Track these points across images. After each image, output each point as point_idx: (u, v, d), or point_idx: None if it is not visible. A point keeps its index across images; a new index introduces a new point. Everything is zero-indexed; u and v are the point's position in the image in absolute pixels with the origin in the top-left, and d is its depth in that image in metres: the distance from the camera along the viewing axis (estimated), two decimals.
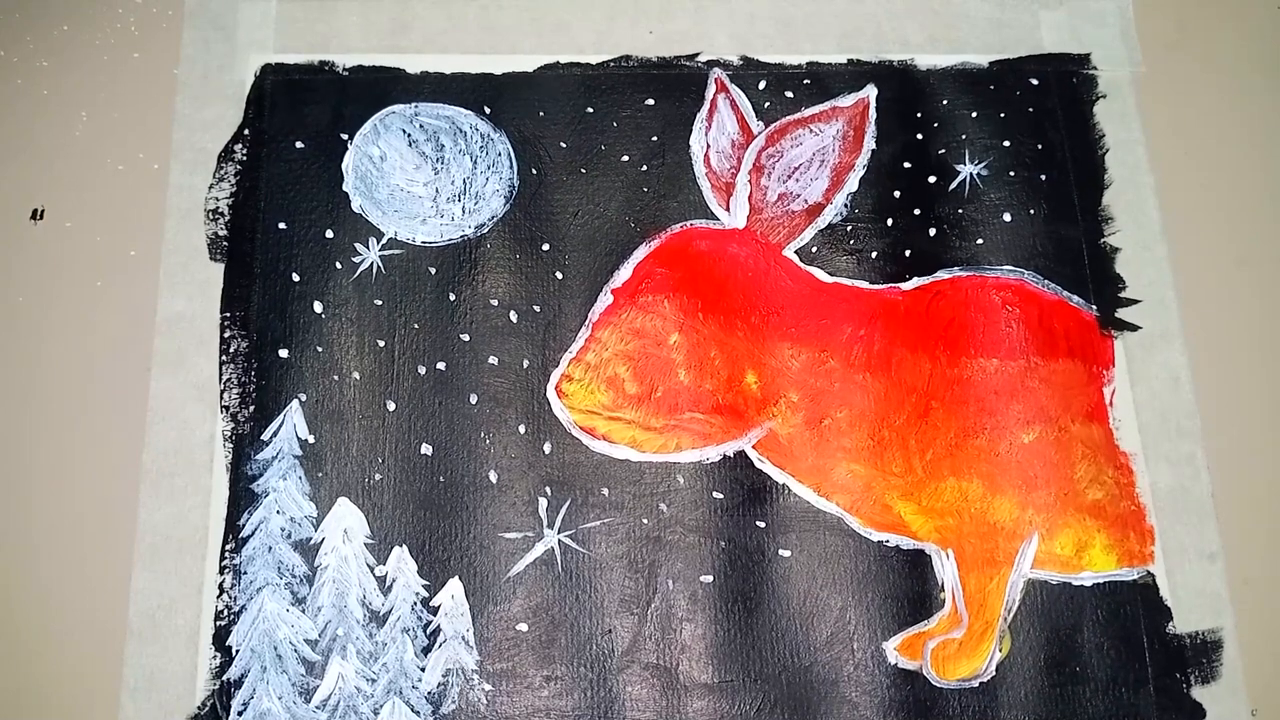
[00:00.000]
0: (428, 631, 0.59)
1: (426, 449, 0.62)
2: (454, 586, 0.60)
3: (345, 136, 0.67)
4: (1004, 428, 0.63)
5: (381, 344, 0.63)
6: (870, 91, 0.69)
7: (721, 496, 0.62)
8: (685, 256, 0.65)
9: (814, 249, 0.66)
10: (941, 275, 0.66)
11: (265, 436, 0.61)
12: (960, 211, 0.67)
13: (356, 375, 0.62)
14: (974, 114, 0.69)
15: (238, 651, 0.58)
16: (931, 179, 0.68)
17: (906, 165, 0.68)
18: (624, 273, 0.65)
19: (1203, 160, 0.70)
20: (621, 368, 0.63)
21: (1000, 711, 0.59)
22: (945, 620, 0.60)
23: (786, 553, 0.61)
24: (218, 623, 0.58)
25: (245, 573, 0.59)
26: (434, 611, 0.59)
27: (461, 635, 0.59)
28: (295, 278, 0.64)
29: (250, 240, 0.64)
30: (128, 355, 0.62)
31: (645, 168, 0.67)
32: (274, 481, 0.60)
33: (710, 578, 0.60)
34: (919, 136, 0.69)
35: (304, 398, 0.62)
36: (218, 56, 0.68)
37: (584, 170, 0.67)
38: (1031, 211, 0.67)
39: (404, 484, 0.61)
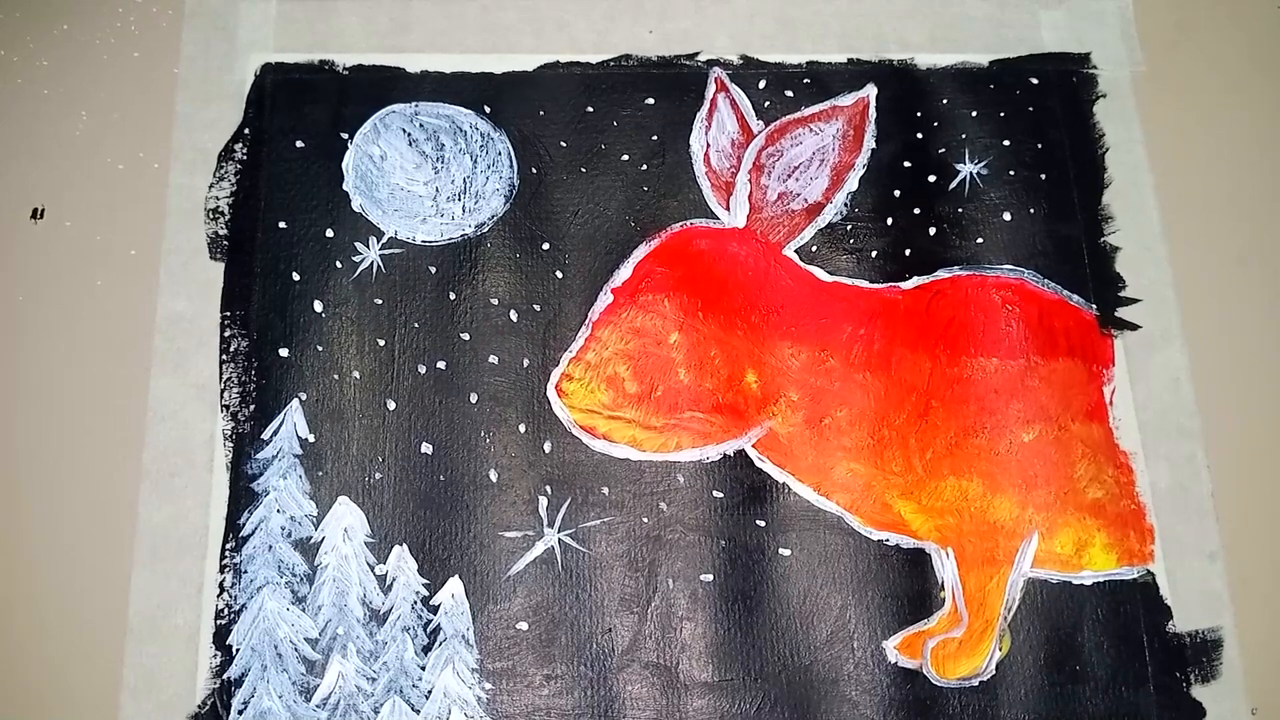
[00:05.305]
0: (428, 630, 0.59)
1: (427, 448, 0.62)
2: (454, 585, 0.60)
3: (345, 136, 0.67)
4: (1004, 427, 0.63)
5: (381, 343, 0.63)
6: (870, 91, 0.69)
7: (721, 495, 0.62)
8: (685, 256, 0.65)
9: (814, 248, 0.66)
10: (941, 274, 0.66)
11: (265, 435, 0.61)
12: (960, 211, 0.67)
13: (357, 374, 0.63)
14: (974, 113, 0.69)
15: (238, 650, 0.58)
16: (931, 178, 0.68)
17: (906, 164, 0.68)
18: (624, 272, 0.65)
19: (1203, 160, 0.70)
20: (621, 367, 0.63)
21: (1000, 710, 0.59)
22: (945, 619, 0.60)
23: (786, 551, 0.61)
24: (218, 621, 0.58)
25: (245, 572, 0.59)
26: (434, 610, 0.59)
27: (462, 634, 0.59)
28: (295, 277, 0.64)
29: (250, 240, 0.64)
30: (128, 355, 0.62)
31: (645, 167, 0.67)
32: (274, 480, 0.60)
33: (710, 576, 0.60)
34: (919, 136, 0.69)
35: (304, 397, 0.62)
36: (218, 56, 0.68)
37: (584, 169, 0.67)
38: (1031, 211, 0.67)
39: (404, 483, 0.61)
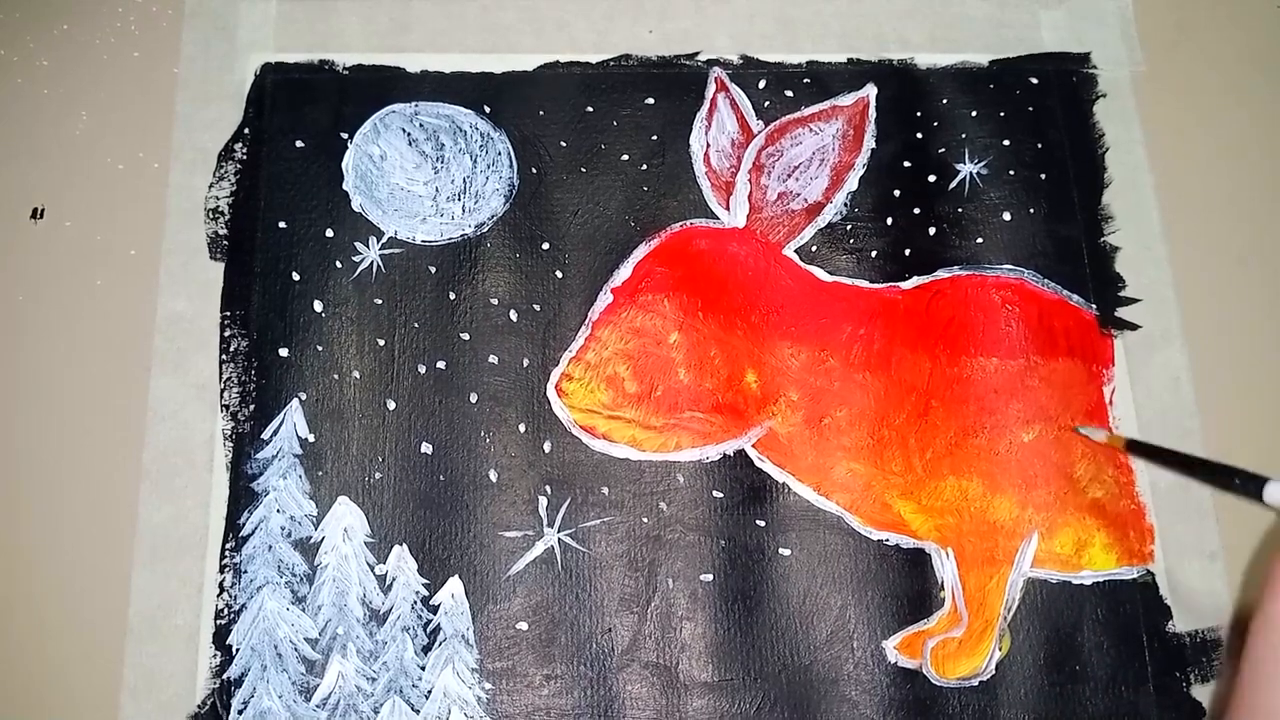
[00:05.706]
0: (428, 630, 0.59)
1: (426, 448, 0.62)
2: (454, 585, 0.60)
3: (345, 136, 0.67)
4: (1004, 426, 0.63)
5: (381, 343, 0.63)
6: (870, 90, 0.69)
7: (721, 495, 0.62)
8: (685, 255, 0.65)
9: (814, 248, 0.66)
10: (941, 274, 0.66)
11: (265, 435, 0.61)
12: (960, 210, 0.67)
13: (356, 374, 0.63)
14: (974, 113, 0.69)
15: (238, 650, 0.58)
16: (931, 178, 0.68)
17: (906, 164, 0.68)
18: (624, 272, 0.65)
19: (1203, 160, 0.70)
20: (621, 367, 0.63)
21: (1000, 710, 0.59)
22: (945, 619, 0.60)
23: (786, 551, 0.61)
24: (218, 621, 0.58)
25: (245, 571, 0.59)
26: (434, 610, 0.59)
27: (461, 634, 0.59)
28: (295, 277, 0.64)
29: (250, 240, 0.64)
30: (128, 355, 0.62)
31: (645, 167, 0.67)
32: (274, 480, 0.60)
33: (710, 576, 0.60)
34: (919, 135, 0.69)
35: (304, 397, 0.62)
36: (218, 56, 0.68)
37: (584, 169, 0.67)
38: (1031, 210, 0.67)
39: (404, 483, 0.61)
